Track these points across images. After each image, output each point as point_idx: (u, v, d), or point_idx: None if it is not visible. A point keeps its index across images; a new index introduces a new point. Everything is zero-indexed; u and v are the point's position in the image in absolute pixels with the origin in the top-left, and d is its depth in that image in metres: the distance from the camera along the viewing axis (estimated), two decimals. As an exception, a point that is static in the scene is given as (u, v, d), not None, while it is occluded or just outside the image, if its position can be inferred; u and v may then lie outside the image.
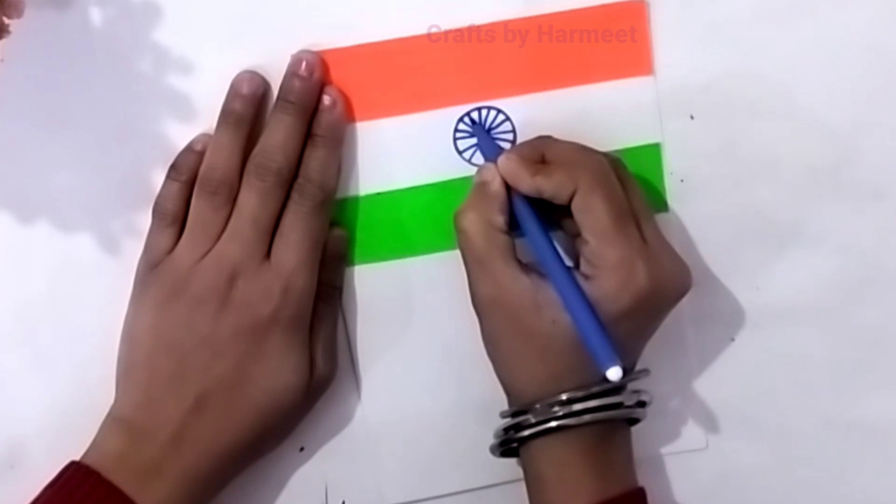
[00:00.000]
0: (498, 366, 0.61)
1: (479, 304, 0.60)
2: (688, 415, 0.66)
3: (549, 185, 0.58)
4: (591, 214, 0.57)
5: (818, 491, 0.66)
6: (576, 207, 0.58)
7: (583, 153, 0.60)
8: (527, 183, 0.59)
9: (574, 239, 0.60)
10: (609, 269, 0.57)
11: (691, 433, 0.66)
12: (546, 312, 0.58)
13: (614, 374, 0.54)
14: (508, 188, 0.59)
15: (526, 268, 0.59)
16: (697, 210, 0.65)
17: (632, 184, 0.61)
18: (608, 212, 0.57)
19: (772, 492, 0.66)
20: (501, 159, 0.60)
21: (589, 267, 0.58)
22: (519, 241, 0.60)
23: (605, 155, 0.61)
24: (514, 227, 0.60)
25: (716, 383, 0.66)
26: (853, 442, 0.66)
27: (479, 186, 0.60)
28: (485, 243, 0.59)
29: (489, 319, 0.60)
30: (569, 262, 0.59)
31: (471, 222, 0.59)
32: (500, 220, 0.59)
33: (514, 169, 0.59)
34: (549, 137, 0.62)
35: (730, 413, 0.66)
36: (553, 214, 0.60)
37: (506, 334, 0.59)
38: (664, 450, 0.64)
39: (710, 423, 0.66)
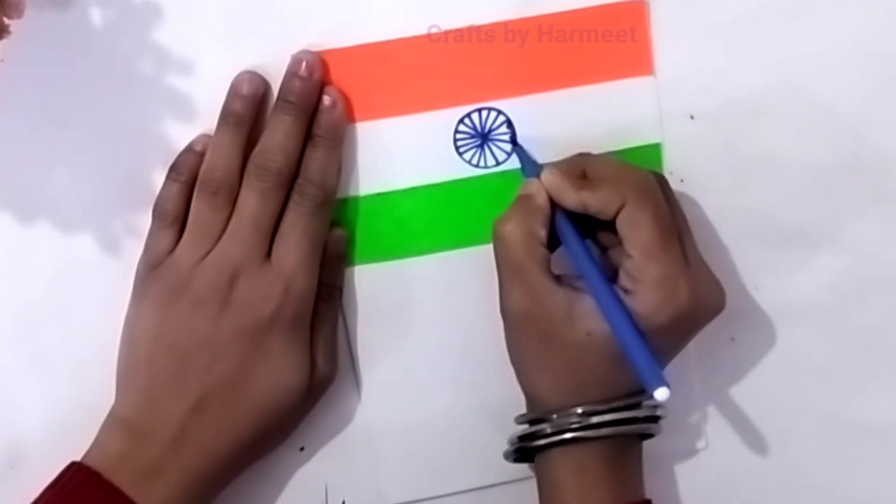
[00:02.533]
0: (522, 374, 0.61)
1: (510, 313, 0.60)
2: (688, 415, 0.66)
3: (595, 200, 0.58)
4: (638, 229, 0.57)
5: (818, 491, 0.66)
6: (622, 222, 0.58)
7: (628, 169, 0.60)
8: (572, 197, 0.59)
9: (606, 251, 0.61)
10: (651, 285, 0.57)
11: (691, 433, 0.66)
12: (580, 325, 0.58)
13: (662, 394, 0.54)
14: (551, 204, 0.60)
15: (560, 280, 0.59)
16: (697, 210, 0.65)
17: (674, 201, 0.61)
18: (654, 228, 0.57)
19: (772, 492, 0.66)
20: (545, 174, 0.60)
21: (630, 281, 0.58)
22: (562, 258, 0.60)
23: (650, 171, 0.61)
24: (551, 243, 0.60)
25: (716, 383, 0.66)
26: (853, 442, 0.66)
27: (522, 199, 0.60)
28: (524, 252, 0.59)
29: (519, 329, 0.60)
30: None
31: (512, 231, 0.59)
32: (542, 232, 0.59)
33: (559, 183, 0.59)
34: (587, 154, 0.62)
35: (730, 413, 0.66)
36: (586, 229, 0.60)
37: (535, 345, 0.59)
38: (664, 449, 0.64)
39: (710, 423, 0.66)
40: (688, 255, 0.59)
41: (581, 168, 0.60)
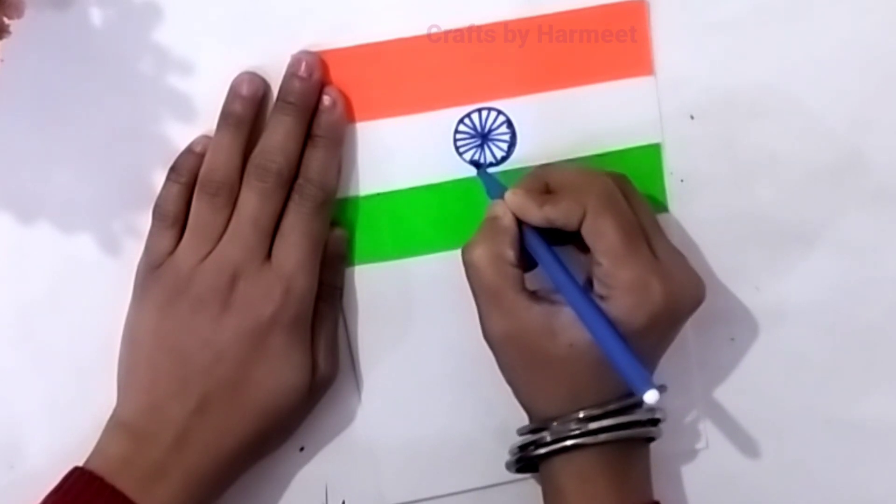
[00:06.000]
0: (517, 391, 0.61)
1: (493, 338, 0.60)
2: (688, 414, 0.66)
3: (557, 214, 0.58)
4: (602, 237, 0.57)
5: (818, 491, 0.66)
6: (586, 232, 0.58)
7: (586, 176, 0.60)
8: (536, 214, 0.59)
9: (585, 255, 0.60)
10: (624, 290, 0.57)
11: (691, 433, 0.66)
12: (562, 337, 0.58)
13: (652, 397, 0.54)
14: (518, 222, 0.60)
15: (536, 296, 0.59)
16: (697, 210, 0.65)
17: (638, 200, 0.61)
18: (618, 233, 0.57)
19: (771, 492, 0.66)
20: (508, 195, 0.60)
21: (603, 288, 0.58)
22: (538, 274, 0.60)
23: (609, 173, 0.61)
24: (522, 262, 0.60)
25: (716, 383, 0.66)
26: (853, 442, 0.66)
27: (488, 222, 0.60)
28: (495, 276, 0.59)
29: (505, 352, 0.60)
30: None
31: (480, 256, 0.59)
32: (510, 253, 0.59)
33: (522, 202, 0.59)
34: (549, 165, 0.62)
35: (730, 413, 0.66)
36: (562, 235, 0.60)
37: (523, 364, 0.60)
38: (664, 450, 0.63)
39: (710, 423, 0.66)
40: (657, 253, 0.59)
41: (543, 181, 0.60)
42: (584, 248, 0.60)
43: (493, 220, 0.60)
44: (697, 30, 0.64)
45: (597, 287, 0.58)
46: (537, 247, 0.59)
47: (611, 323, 0.57)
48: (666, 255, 0.59)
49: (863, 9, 0.65)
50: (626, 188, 0.61)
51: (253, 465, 0.63)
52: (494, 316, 0.59)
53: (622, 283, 0.57)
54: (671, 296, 0.58)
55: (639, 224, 0.59)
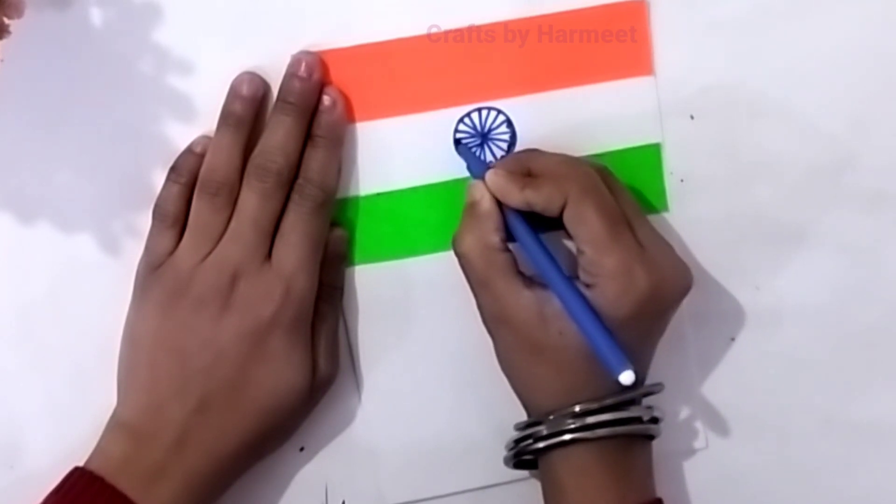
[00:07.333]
0: (513, 381, 0.61)
1: (488, 323, 0.60)
2: (688, 414, 0.66)
3: (538, 199, 0.58)
4: (584, 225, 0.58)
5: (818, 491, 0.66)
6: (568, 219, 0.58)
7: (569, 165, 0.60)
8: (516, 197, 0.59)
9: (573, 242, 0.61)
10: (608, 277, 0.57)
11: (691, 433, 0.66)
12: (552, 325, 0.58)
13: (627, 377, 0.54)
14: (500, 203, 0.60)
15: (529, 281, 0.59)
16: (697, 210, 0.65)
17: (621, 190, 0.61)
18: (600, 220, 0.57)
19: (772, 492, 0.66)
20: (489, 175, 0.60)
21: (588, 276, 0.58)
22: (522, 255, 0.60)
23: (591, 164, 0.61)
24: (512, 239, 0.60)
25: (716, 383, 0.66)
26: (853, 442, 0.66)
27: (470, 207, 0.60)
28: (484, 265, 0.59)
29: (498, 337, 0.60)
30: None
31: (468, 247, 0.59)
32: (495, 239, 0.59)
33: (502, 184, 0.59)
34: (534, 150, 0.63)
35: (730, 413, 0.66)
36: (548, 221, 0.60)
37: (516, 350, 0.60)
38: (664, 449, 0.63)
39: (710, 422, 0.66)
40: (642, 241, 0.59)
41: (526, 165, 0.61)
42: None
43: (473, 206, 0.60)
44: (697, 30, 0.64)
45: (582, 276, 0.58)
46: (518, 229, 0.59)
47: (589, 304, 0.57)
48: (650, 243, 0.59)
49: (863, 9, 0.65)
50: (608, 179, 0.61)
51: (253, 465, 0.63)
52: (487, 301, 0.60)
53: (606, 271, 0.57)
54: (656, 283, 0.58)
55: (621, 212, 0.59)
